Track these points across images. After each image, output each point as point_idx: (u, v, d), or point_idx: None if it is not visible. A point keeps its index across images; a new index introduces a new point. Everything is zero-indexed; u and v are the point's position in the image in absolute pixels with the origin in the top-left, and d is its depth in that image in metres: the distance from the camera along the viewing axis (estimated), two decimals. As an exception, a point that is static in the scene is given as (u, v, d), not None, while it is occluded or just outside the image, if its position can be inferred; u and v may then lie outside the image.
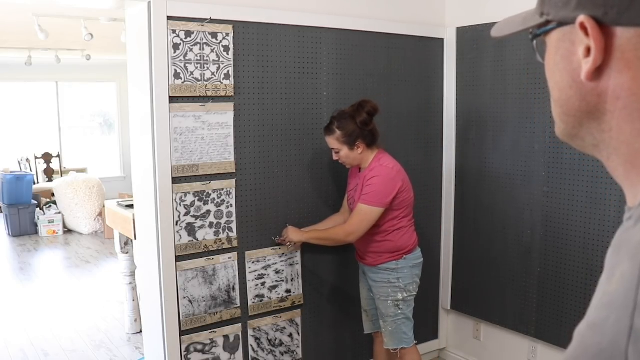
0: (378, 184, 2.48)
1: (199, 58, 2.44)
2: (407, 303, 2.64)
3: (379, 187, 2.48)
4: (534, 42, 0.61)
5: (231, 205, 2.60)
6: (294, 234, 2.65)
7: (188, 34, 2.41)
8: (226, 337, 2.65)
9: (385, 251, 2.59)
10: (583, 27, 0.52)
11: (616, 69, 0.52)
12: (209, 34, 2.46)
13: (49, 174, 9.17)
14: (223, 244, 2.59)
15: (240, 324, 2.69)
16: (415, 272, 2.66)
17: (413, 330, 2.69)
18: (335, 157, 2.58)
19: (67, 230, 7.69)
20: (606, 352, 0.47)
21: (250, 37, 2.58)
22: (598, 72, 0.53)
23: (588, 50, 0.52)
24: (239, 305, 2.67)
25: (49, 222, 7.51)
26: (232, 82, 2.54)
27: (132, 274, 4.06)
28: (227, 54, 2.51)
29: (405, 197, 2.55)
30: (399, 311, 2.62)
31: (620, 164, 0.55)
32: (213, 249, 2.57)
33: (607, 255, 0.53)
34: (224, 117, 2.53)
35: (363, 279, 2.78)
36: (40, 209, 7.72)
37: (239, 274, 2.65)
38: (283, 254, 2.78)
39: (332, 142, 2.53)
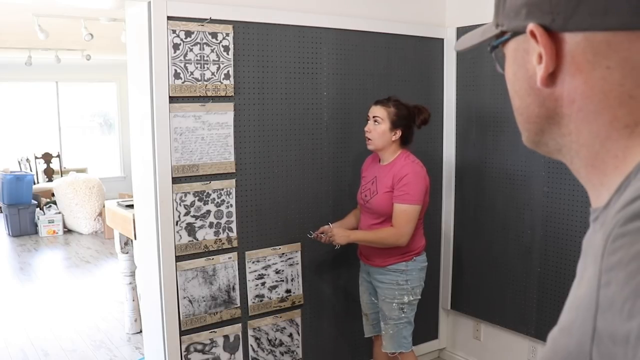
0: (413, 182, 2.46)
1: (199, 58, 2.44)
2: (412, 307, 2.62)
3: (414, 185, 2.46)
4: (493, 53, 0.62)
5: (231, 205, 2.60)
6: (339, 235, 2.49)
7: (188, 34, 2.41)
8: (226, 337, 2.65)
9: (396, 252, 2.55)
10: (533, 35, 0.54)
11: (569, 73, 0.53)
12: (209, 34, 2.46)
13: (49, 174, 9.17)
14: (223, 244, 2.59)
15: (240, 324, 2.69)
16: (422, 275, 2.64)
17: (412, 334, 2.68)
18: (367, 128, 2.54)
19: (67, 230, 7.69)
20: (573, 354, 0.48)
21: (250, 37, 2.58)
22: (552, 77, 0.54)
23: (540, 57, 0.54)
24: (239, 305, 2.67)
25: (49, 222, 7.52)
26: (232, 82, 2.54)
27: (132, 274, 4.06)
28: (227, 54, 2.51)
29: (425, 199, 2.56)
30: (403, 314, 2.59)
31: (582, 167, 0.57)
32: (213, 249, 2.57)
33: (579, 260, 0.54)
34: (224, 117, 2.53)
35: (365, 283, 2.74)
36: (40, 209, 7.73)
37: (239, 274, 2.65)
38: (283, 254, 2.78)
39: (380, 111, 2.51)
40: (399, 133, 2.52)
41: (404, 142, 2.56)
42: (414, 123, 2.56)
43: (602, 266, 0.46)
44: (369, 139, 2.54)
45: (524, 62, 0.57)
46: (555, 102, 0.55)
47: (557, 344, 0.52)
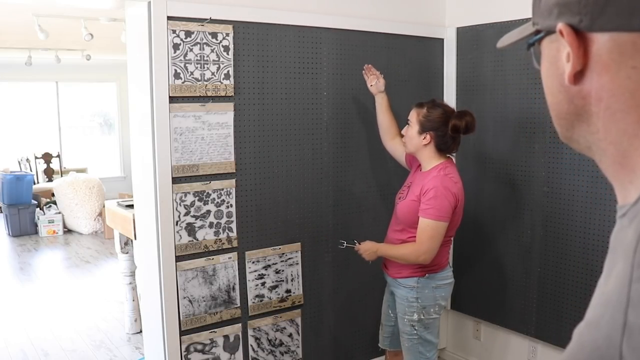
0: (439, 196, 2.29)
1: (199, 58, 2.44)
2: (425, 325, 2.43)
3: (440, 199, 2.29)
4: (531, 49, 0.65)
5: (231, 205, 2.60)
6: (367, 253, 2.43)
7: (188, 34, 2.41)
8: (226, 337, 2.65)
9: (408, 264, 2.41)
10: (562, 34, 0.56)
11: (596, 72, 0.55)
12: (209, 34, 2.46)
13: (49, 174, 9.17)
14: (223, 244, 2.59)
15: (240, 324, 2.69)
16: (440, 293, 2.45)
17: (436, 352, 2.51)
18: (403, 131, 2.47)
19: (67, 230, 7.69)
20: (601, 349, 0.49)
21: (250, 37, 2.58)
22: (580, 75, 0.56)
23: (569, 55, 0.56)
24: (239, 305, 2.67)
25: (49, 222, 7.52)
26: (232, 82, 2.54)
27: (132, 274, 4.06)
28: (227, 54, 2.51)
29: (455, 217, 2.38)
30: (415, 331, 2.43)
31: (609, 165, 0.58)
32: (213, 249, 2.57)
33: (607, 257, 0.55)
34: (224, 117, 2.53)
35: (387, 292, 2.64)
36: (40, 209, 7.73)
37: (239, 274, 2.65)
38: (283, 254, 2.78)
39: (413, 114, 2.41)
40: (428, 137, 2.36)
41: (440, 149, 2.39)
42: (454, 132, 2.34)
43: (634, 261, 0.47)
44: (404, 142, 2.49)
45: (555, 60, 0.59)
46: (584, 100, 0.57)
47: (584, 338, 0.52)
